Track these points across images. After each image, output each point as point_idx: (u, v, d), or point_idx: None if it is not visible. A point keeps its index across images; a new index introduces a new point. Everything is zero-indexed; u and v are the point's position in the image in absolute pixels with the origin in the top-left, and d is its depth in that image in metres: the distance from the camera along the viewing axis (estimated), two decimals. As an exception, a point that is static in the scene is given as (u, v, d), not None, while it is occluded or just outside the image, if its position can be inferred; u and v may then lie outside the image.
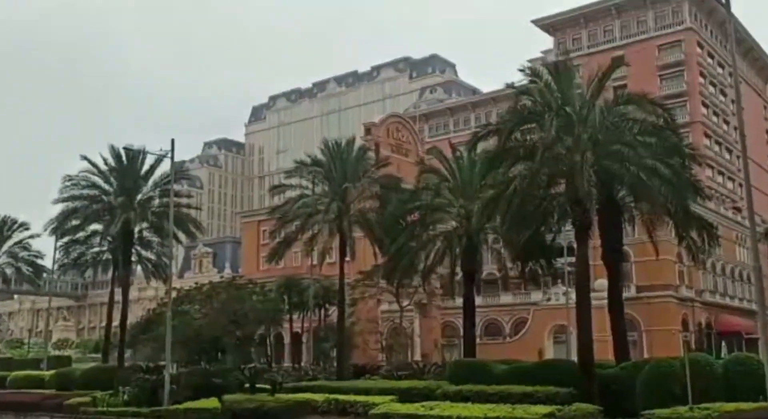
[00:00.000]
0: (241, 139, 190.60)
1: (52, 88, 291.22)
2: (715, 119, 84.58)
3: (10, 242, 51.20)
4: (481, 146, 34.06)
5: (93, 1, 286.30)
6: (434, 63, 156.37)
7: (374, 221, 41.49)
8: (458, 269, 37.89)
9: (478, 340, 40.34)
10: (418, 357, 59.26)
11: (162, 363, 35.51)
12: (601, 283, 33.73)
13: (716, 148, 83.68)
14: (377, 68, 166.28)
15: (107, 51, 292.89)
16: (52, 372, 47.00)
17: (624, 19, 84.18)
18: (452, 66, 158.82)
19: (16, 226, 51.26)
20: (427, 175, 38.78)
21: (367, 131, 68.38)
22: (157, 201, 45.55)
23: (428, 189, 37.18)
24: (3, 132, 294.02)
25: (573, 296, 30.69)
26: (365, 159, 44.82)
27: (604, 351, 29.66)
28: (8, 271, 52.88)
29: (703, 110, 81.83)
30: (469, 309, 36.29)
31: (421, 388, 28.34)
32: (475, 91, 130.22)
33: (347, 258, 43.56)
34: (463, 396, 25.30)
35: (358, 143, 47.81)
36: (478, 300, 46.41)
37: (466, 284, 36.80)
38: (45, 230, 46.01)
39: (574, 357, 28.38)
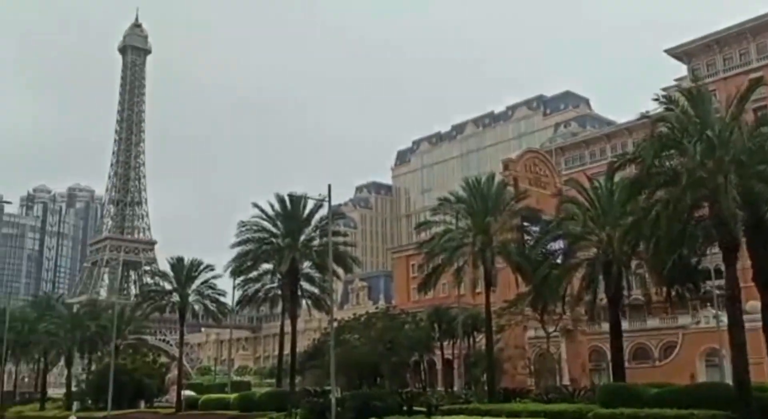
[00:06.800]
0: (389, 181, 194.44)
1: (240, 142, 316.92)
2: None
3: (197, 282, 54.46)
4: (618, 176, 32.70)
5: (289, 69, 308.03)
6: (567, 99, 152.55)
7: (516, 251, 40.63)
8: (602, 295, 36.24)
9: (626, 364, 38.13)
10: (566, 381, 56.76)
11: (327, 387, 36.38)
12: (753, 305, 30.96)
13: None
14: (512, 108, 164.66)
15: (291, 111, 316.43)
16: (235, 395, 49.47)
17: (759, 41, 78.29)
18: (585, 101, 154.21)
19: (202, 267, 54.47)
20: (567, 205, 37.59)
21: (505, 167, 67.38)
22: (317, 241, 47.26)
23: (569, 219, 35.99)
24: (196, 187, 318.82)
25: (724, 319, 28.38)
26: (505, 193, 43.96)
27: (760, 373, 27.09)
28: (197, 307, 56.23)
29: None
30: (615, 334, 34.49)
31: (572, 411, 27.13)
32: (609, 123, 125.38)
33: (492, 288, 42.86)
34: (615, 419, 23.95)
35: (497, 178, 47.18)
36: (625, 325, 44.01)
37: (611, 309, 35.03)
38: (225, 271, 48.99)
39: (729, 380, 26.08)
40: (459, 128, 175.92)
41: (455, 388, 59.69)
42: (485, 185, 42.94)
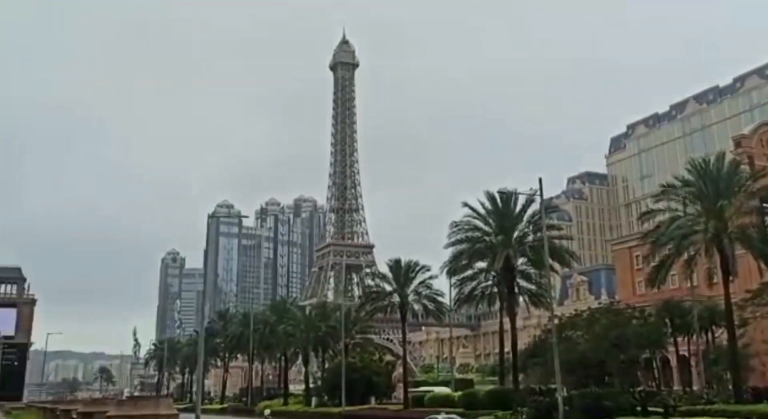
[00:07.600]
0: (603, 170, 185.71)
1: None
2: None
3: (415, 282, 56.11)
4: None
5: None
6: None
7: (757, 236, 36.56)
8: None
9: None
10: (832, 381, 50.00)
11: (552, 385, 35.53)
12: None
13: None
14: (740, 79, 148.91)
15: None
16: (459, 392, 50.23)
17: None
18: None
19: (418, 268, 56.04)
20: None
21: (737, 144, 61.23)
22: (531, 237, 46.43)
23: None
24: (406, 189, 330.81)
25: None
26: (739, 173, 39.90)
27: None
28: (416, 306, 57.96)
29: None
30: None
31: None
32: None
33: (731, 277, 38.95)
34: None
35: (728, 157, 42.91)
36: None
37: None
38: (441, 271, 50.01)
39: None
40: (678, 107, 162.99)
41: (694, 388, 55.28)
42: (715, 166, 39.33)
